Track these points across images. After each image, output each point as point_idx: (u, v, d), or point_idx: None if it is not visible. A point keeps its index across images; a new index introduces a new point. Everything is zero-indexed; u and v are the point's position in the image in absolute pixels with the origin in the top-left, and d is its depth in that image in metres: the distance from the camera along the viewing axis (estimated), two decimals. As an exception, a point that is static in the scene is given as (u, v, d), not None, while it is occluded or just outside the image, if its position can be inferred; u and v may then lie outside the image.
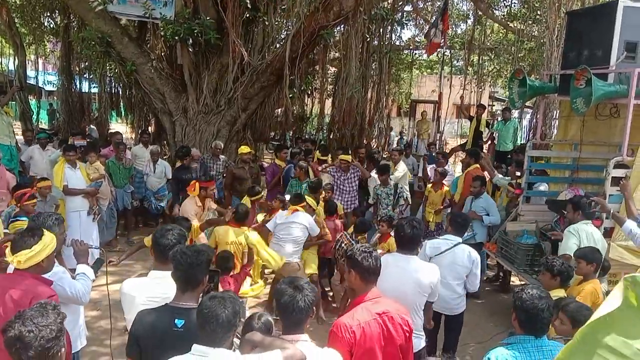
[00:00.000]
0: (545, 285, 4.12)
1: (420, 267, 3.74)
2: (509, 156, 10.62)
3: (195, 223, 6.07)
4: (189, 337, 2.49)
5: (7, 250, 2.96)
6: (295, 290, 2.61)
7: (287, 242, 6.03)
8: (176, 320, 2.66)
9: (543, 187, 7.44)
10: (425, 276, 3.69)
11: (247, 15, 9.74)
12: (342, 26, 10.52)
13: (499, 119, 14.61)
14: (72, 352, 3.01)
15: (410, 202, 8.79)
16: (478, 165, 7.99)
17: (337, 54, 12.34)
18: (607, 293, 4.21)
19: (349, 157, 8.47)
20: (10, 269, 3.15)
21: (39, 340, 2.01)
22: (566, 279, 4.28)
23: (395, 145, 15.09)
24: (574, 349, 1.97)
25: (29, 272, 3.03)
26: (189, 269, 2.78)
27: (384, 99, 14.02)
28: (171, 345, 2.48)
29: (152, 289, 3.06)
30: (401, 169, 8.76)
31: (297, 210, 6.15)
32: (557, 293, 4.04)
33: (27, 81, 13.57)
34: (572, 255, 4.81)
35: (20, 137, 10.98)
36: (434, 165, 9.45)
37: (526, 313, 2.77)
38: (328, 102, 14.07)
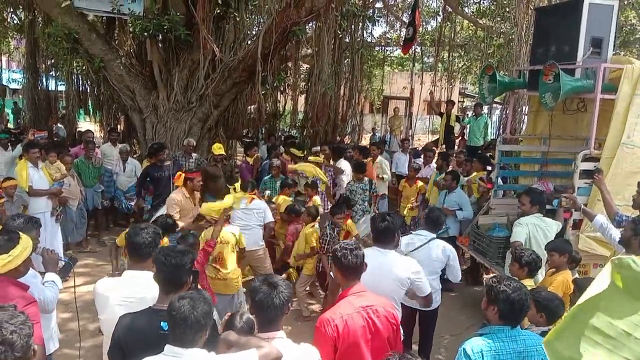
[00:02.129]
0: (514, 275, 4.20)
1: (397, 261, 3.76)
2: (479, 151, 10.78)
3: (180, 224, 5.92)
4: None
5: None
6: (269, 287, 2.60)
7: (251, 229, 6.11)
8: (162, 323, 2.61)
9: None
10: (402, 270, 3.70)
11: (218, 11, 9.62)
12: (314, 22, 10.51)
13: (470, 114, 14.84)
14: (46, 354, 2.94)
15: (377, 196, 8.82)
16: (484, 172, 8.08)
17: (309, 51, 12.31)
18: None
19: (319, 159, 8.47)
20: None
21: (23, 338, 2.00)
22: (534, 269, 4.38)
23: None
24: (564, 329, 2.01)
25: (6, 276, 2.95)
26: (173, 270, 2.76)
27: (357, 96, 14.07)
28: (157, 348, 2.43)
29: (126, 289, 3.01)
30: (383, 165, 8.91)
31: (254, 198, 6.33)
32: (526, 283, 4.12)
33: (-9, 79, 13.19)
34: (522, 242, 5.08)
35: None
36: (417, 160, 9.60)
37: (511, 305, 2.78)
38: (301, 99, 14.05)
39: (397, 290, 3.68)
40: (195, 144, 9.35)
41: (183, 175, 6.33)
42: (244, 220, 6.15)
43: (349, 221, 6.53)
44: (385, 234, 3.77)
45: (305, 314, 6.32)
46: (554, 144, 7.09)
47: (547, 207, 5.76)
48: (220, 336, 2.74)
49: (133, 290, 2.99)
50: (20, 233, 3.08)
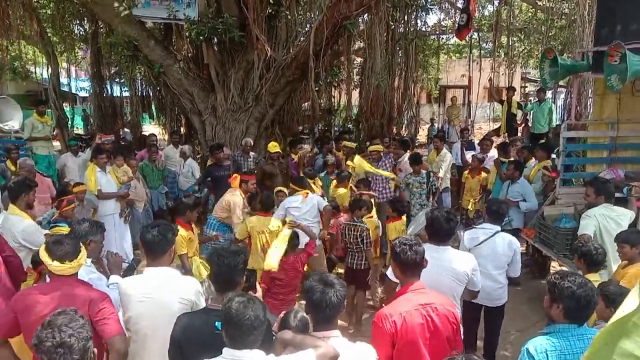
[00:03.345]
0: (578, 269, 4.00)
1: (454, 257, 3.66)
2: (543, 139, 10.36)
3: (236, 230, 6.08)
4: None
5: (44, 255, 2.98)
6: (326, 286, 2.59)
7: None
8: (216, 323, 2.66)
9: None
10: (460, 265, 3.61)
11: (270, 11, 9.74)
12: (365, 15, 10.40)
13: (533, 100, 14.27)
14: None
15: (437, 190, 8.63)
16: (549, 161, 7.78)
17: (361, 44, 12.21)
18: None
19: (379, 147, 8.36)
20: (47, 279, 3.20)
21: (81, 342, 2.08)
22: (592, 263, 4.02)
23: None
24: (594, 356, 1.88)
25: (74, 278, 3.07)
26: (227, 271, 2.81)
27: (412, 86, 13.83)
28: (213, 348, 2.47)
29: (146, 286, 3.11)
30: (447, 157, 8.64)
31: (308, 194, 6.35)
32: (590, 279, 3.91)
33: (61, 88, 13.87)
34: (590, 235, 4.80)
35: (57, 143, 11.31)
36: (474, 152, 9.29)
37: (577, 301, 2.66)
38: (355, 93, 13.96)
39: (456, 287, 3.59)
40: (252, 143, 9.52)
41: (239, 177, 6.47)
42: (300, 219, 6.15)
43: (392, 223, 6.39)
44: (448, 234, 3.67)
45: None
46: (623, 129, 6.73)
47: (618, 195, 5.46)
48: (276, 335, 2.76)
49: (152, 286, 3.09)
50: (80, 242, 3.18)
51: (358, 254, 5.90)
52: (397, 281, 3.32)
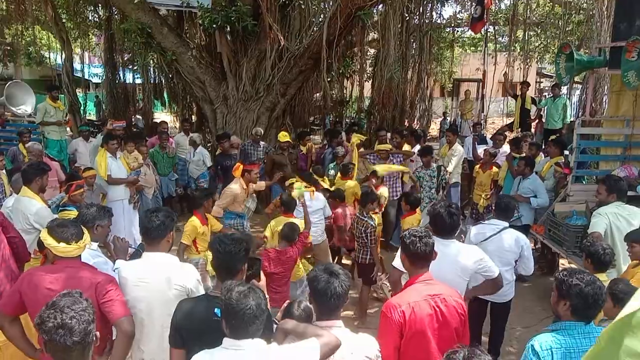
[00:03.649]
0: (585, 269, 3.94)
1: (460, 250, 3.64)
2: (557, 134, 10.23)
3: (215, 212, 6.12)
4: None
5: (48, 238, 3.00)
6: (331, 276, 2.60)
7: (316, 223, 6.20)
8: (216, 310, 2.65)
9: None
10: (466, 259, 3.59)
11: (283, 0, 9.68)
12: (380, 6, 10.32)
13: (548, 95, 14.11)
14: (114, 338, 3.08)
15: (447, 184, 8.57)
16: (562, 157, 7.67)
17: (375, 35, 12.12)
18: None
19: (387, 147, 8.29)
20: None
21: (82, 324, 2.08)
22: (600, 263, 3.94)
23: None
24: (599, 354, 1.85)
25: (79, 260, 3.10)
26: (227, 257, 2.80)
27: (425, 79, 13.74)
28: (212, 334, 2.48)
29: (141, 270, 3.13)
30: (458, 151, 8.54)
31: (314, 191, 6.36)
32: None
33: (74, 74, 13.94)
34: (601, 233, 4.74)
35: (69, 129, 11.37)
36: (486, 146, 9.19)
37: (585, 299, 2.63)
38: (367, 85, 13.89)
39: (460, 281, 3.58)
40: (263, 132, 9.51)
41: (241, 167, 6.47)
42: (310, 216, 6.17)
43: (407, 218, 6.36)
44: (452, 229, 3.65)
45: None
46: (638, 126, 6.60)
47: (631, 193, 5.38)
48: (278, 324, 2.75)
49: (147, 271, 3.11)
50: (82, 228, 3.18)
51: (363, 249, 5.89)
52: (403, 270, 3.32)
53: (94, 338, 2.16)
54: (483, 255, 3.70)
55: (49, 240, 2.96)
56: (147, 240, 3.25)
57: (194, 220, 5.38)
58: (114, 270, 3.37)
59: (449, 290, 3.06)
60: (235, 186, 6.41)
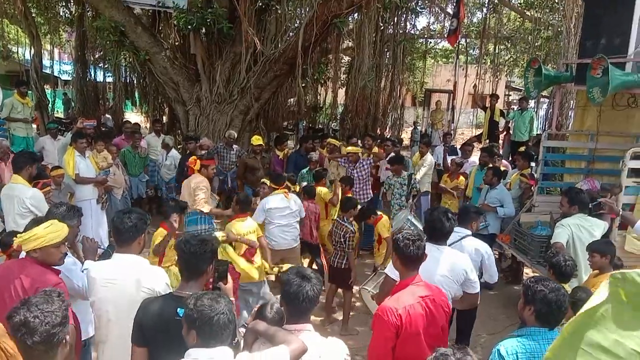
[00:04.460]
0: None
1: (452, 257, 3.76)
2: (524, 147, 10.49)
3: (206, 209, 6.10)
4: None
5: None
6: (303, 279, 2.62)
7: (290, 227, 6.21)
8: (178, 310, 2.65)
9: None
10: (458, 264, 3.72)
11: (260, 4, 9.71)
12: (355, 14, 10.43)
13: (515, 108, 14.45)
14: (83, 339, 3.04)
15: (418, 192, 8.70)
16: (529, 169, 7.84)
17: (350, 43, 12.24)
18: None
19: (357, 149, 8.37)
20: (22, 255, 3.20)
21: (44, 325, 2.04)
22: (561, 274, 4.07)
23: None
24: (562, 345, 1.94)
25: (34, 259, 3.07)
26: (192, 258, 2.80)
27: (398, 89, 13.91)
28: (175, 333, 2.48)
29: (110, 271, 3.10)
30: (428, 162, 8.68)
31: (287, 193, 6.32)
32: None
33: (43, 70, 13.61)
34: (562, 243, 4.90)
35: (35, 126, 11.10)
36: (457, 156, 9.36)
37: (549, 305, 2.73)
38: (341, 92, 14.00)
39: (451, 284, 3.69)
40: (236, 136, 9.47)
41: (199, 161, 6.39)
42: (284, 220, 6.17)
43: (380, 222, 6.47)
44: (447, 234, 3.77)
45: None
46: (602, 141, 6.83)
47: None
48: (248, 326, 2.76)
49: (116, 272, 3.08)
50: (50, 222, 3.16)
51: (340, 253, 5.93)
52: (396, 280, 3.42)
53: (62, 341, 2.11)
54: (472, 267, 3.82)
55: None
56: (118, 242, 3.21)
57: (162, 232, 5.25)
58: (83, 271, 3.32)
59: (435, 290, 3.21)
60: (201, 178, 6.25)
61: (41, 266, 3.07)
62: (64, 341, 2.12)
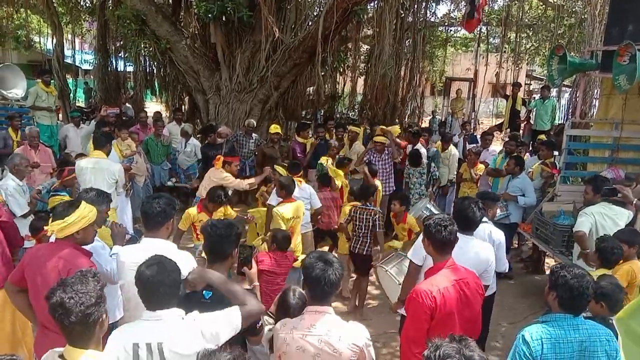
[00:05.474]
0: (591, 262, 4.15)
1: (478, 247, 3.80)
2: (545, 135, 10.36)
3: (246, 184, 6.40)
4: (214, 308, 2.54)
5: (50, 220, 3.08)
6: (325, 264, 2.65)
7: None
8: (204, 292, 2.73)
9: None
10: (483, 255, 3.78)
11: (280, -8, 9.68)
12: (375, 2, 10.35)
13: (537, 97, 14.25)
14: (110, 322, 3.09)
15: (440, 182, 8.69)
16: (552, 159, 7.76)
17: (370, 31, 12.15)
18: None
19: (384, 140, 8.30)
20: (52, 239, 3.28)
21: (79, 306, 2.09)
22: (605, 259, 4.22)
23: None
24: (637, 308, 1.97)
25: (68, 241, 3.14)
26: (218, 241, 2.85)
27: (418, 77, 13.80)
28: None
29: (139, 254, 3.11)
30: (454, 154, 8.86)
31: (302, 182, 6.38)
32: (603, 272, 4.07)
33: (65, 60, 13.76)
34: (585, 232, 4.96)
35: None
36: (475, 145, 9.30)
37: (570, 291, 2.73)
38: (360, 81, 13.91)
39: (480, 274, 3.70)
40: (255, 124, 9.49)
41: (222, 158, 6.55)
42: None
43: (409, 216, 6.36)
44: (473, 218, 3.79)
45: (344, 294, 6.34)
46: (626, 129, 6.73)
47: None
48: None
49: (144, 256, 3.09)
50: (84, 203, 3.24)
51: (363, 239, 5.91)
52: (419, 264, 3.58)
53: (99, 320, 2.17)
54: (494, 260, 3.88)
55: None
56: (147, 226, 3.28)
57: (191, 209, 5.41)
58: (111, 256, 3.38)
59: (470, 274, 3.31)
60: (225, 174, 6.47)
61: (74, 249, 3.15)
62: (100, 320, 2.18)
